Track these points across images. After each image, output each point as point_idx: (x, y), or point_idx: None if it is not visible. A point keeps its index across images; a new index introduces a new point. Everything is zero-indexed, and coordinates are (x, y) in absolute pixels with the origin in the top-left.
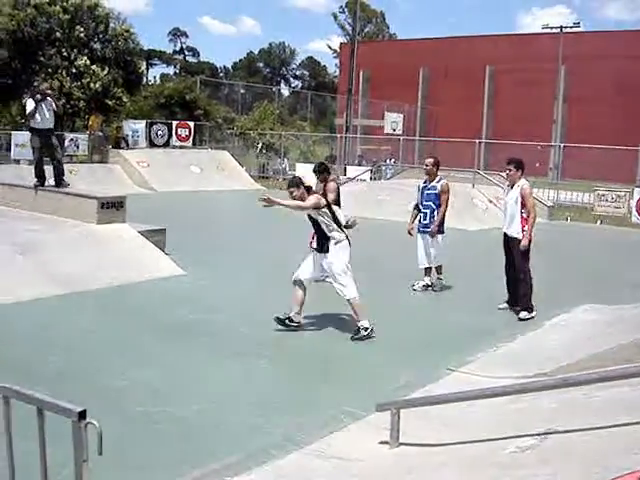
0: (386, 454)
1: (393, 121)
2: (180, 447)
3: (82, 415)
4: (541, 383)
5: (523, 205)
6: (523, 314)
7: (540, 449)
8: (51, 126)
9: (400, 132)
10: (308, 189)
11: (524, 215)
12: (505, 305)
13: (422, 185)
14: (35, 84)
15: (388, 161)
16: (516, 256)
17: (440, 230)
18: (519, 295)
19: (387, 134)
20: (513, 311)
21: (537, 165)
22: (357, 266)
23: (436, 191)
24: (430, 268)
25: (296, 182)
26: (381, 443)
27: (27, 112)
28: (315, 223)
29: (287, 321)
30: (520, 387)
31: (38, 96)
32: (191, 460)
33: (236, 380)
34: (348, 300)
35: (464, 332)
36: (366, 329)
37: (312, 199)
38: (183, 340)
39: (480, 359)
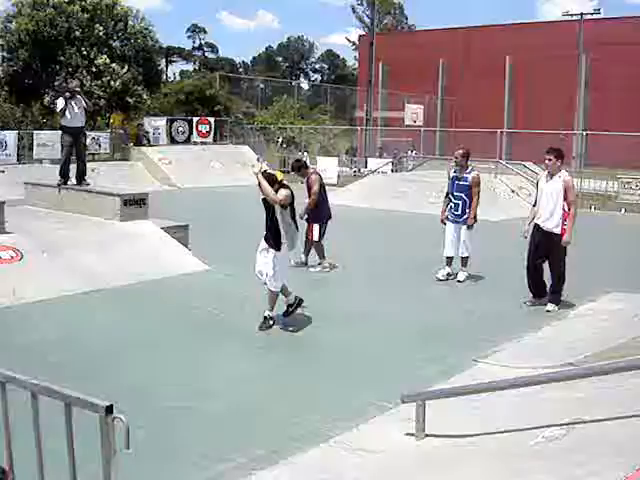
0: (412, 446)
1: (413, 112)
2: (206, 441)
3: (109, 410)
4: (568, 373)
5: (564, 198)
6: (552, 307)
7: (568, 439)
8: (81, 124)
9: (421, 123)
10: (281, 184)
11: (565, 208)
12: (532, 301)
13: (452, 175)
14: (56, 83)
15: (409, 152)
16: (553, 251)
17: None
18: (553, 290)
19: (408, 126)
20: (540, 304)
21: None
22: (379, 258)
23: (467, 182)
24: (453, 258)
25: (272, 179)
26: (407, 435)
27: (57, 110)
28: (272, 219)
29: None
30: (547, 377)
31: (67, 94)
32: (217, 454)
33: (261, 374)
34: (272, 291)
35: (489, 323)
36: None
37: (283, 193)
38: (208, 335)
39: (506, 350)
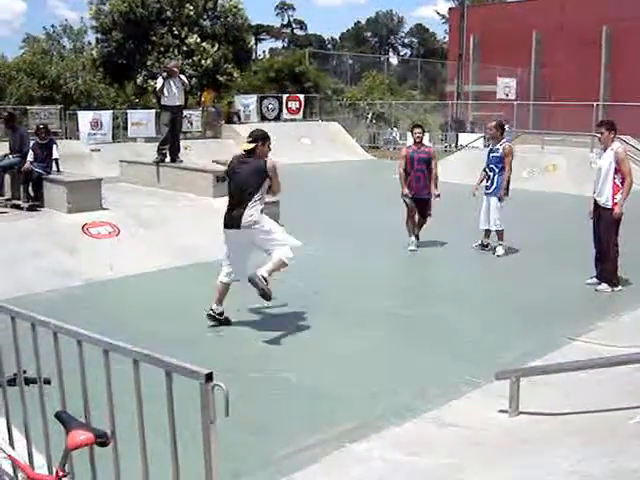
0: (505, 423)
1: (506, 86)
2: (298, 412)
3: (209, 377)
4: None
5: (617, 170)
6: (603, 286)
7: None
8: (179, 103)
9: (513, 97)
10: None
11: (617, 181)
12: (594, 280)
13: (489, 148)
14: (149, 62)
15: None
16: (602, 226)
17: (505, 194)
18: (602, 268)
19: (500, 99)
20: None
21: None
22: (466, 236)
23: (499, 154)
24: (489, 230)
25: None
26: (500, 412)
27: (156, 89)
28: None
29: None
30: None
31: (164, 74)
32: (309, 425)
33: (354, 349)
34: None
35: (580, 301)
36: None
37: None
38: (300, 309)
39: (601, 328)
